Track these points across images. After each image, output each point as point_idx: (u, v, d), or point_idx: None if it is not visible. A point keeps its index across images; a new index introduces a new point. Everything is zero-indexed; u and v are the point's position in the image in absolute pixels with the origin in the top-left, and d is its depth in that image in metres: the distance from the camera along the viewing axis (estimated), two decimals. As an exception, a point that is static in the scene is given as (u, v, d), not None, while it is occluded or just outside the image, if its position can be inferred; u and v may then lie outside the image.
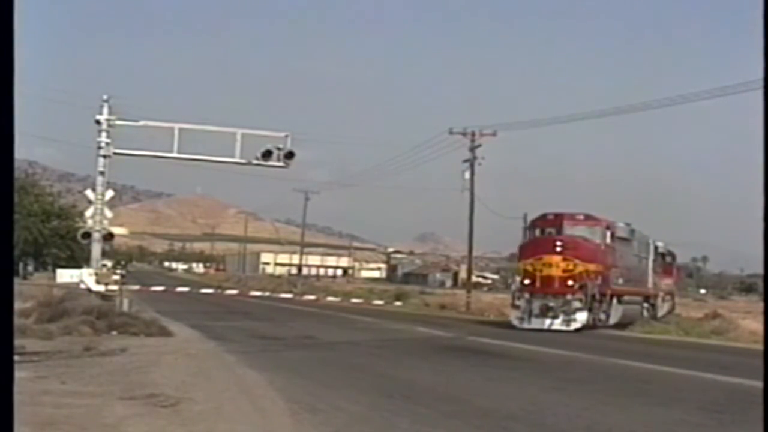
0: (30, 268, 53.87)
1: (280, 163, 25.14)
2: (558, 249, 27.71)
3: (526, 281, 27.99)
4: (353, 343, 18.67)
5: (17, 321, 15.21)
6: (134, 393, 9.38)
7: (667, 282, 42.40)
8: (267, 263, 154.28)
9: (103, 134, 25.44)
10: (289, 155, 24.87)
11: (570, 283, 27.25)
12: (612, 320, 30.21)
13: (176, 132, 25.65)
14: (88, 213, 26.11)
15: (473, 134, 46.42)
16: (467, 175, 46.22)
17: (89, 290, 23.84)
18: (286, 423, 8.22)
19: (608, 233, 29.67)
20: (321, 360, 15.04)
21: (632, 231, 34.30)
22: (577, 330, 26.63)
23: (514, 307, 28.35)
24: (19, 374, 6.83)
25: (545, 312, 27.22)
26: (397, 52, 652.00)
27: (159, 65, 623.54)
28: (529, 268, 28.01)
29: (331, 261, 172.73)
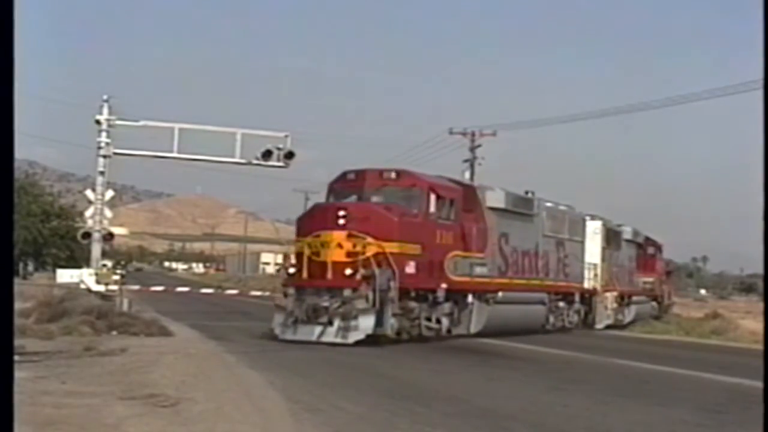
0: (30, 268, 53.87)
1: (280, 163, 25.12)
2: (341, 221, 18.29)
3: (292, 270, 19.05)
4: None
5: (17, 321, 15.21)
6: (134, 393, 9.38)
7: (647, 279, 36.39)
8: (267, 263, 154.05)
9: (103, 134, 25.42)
10: (289, 155, 24.84)
11: (349, 271, 17.86)
12: (473, 328, 21.54)
13: (176, 132, 25.63)
14: (88, 213, 26.09)
15: (473, 134, 46.46)
16: (467, 175, 46.18)
17: (89, 290, 23.83)
18: (287, 423, 8.22)
19: (433, 197, 19.84)
20: (321, 360, 15.04)
21: (528, 201, 25.28)
22: (357, 342, 17.35)
23: (278, 308, 19.08)
24: (19, 374, 6.83)
25: (314, 316, 17.97)
26: (397, 52, 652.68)
27: (159, 65, 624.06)
28: (302, 250, 18.73)
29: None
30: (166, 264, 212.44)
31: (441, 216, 20.13)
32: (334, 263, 18.07)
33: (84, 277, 25.48)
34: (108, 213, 25.83)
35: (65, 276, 28.70)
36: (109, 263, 28.20)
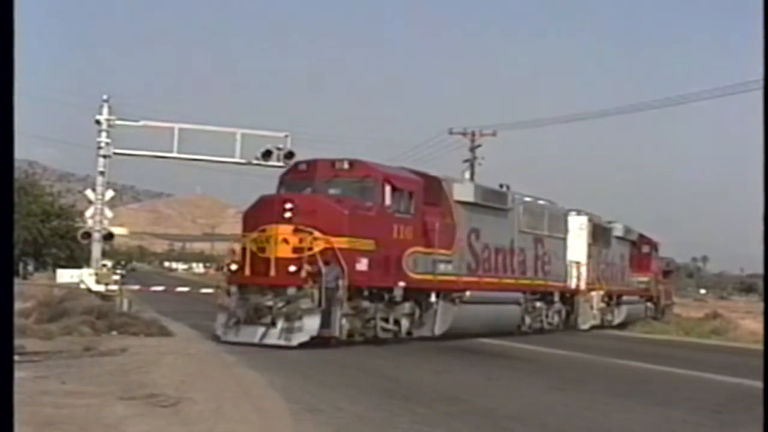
0: (30, 268, 53.81)
1: (280, 163, 25.07)
2: (287, 215, 17.07)
3: (235, 266, 17.87)
4: (352, 342, 18.61)
5: (17, 321, 15.20)
6: (134, 393, 9.38)
7: (641, 278, 35.17)
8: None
9: (103, 134, 25.42)
10: (289, 155, 24.81)
11: (293, 269, 16.60)
12: (437, 330, 20.20)
13: (176, 132, 25.63)
14: (88, 213, 26.10)
15: (473, 134, 46.41)
16: (467, 175, 46.14)
17: (89, 290, 23.83)
18: (287, 423, 8.22)
19: (388, 189, 18.39)
20: (321, 360, 15.04)
21: (501, 195, 23.74)
22: (301, 345, 16.21)
23: (220, 307, 18.10)
24: (19, 374, 6.83)
25: (257, 316, 16.82)
26: (398, 52, 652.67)
27: (159, 65, 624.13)
28: (247, 245, 17.60)
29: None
30: (166, 264, 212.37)
31: (398, 209, 18.73)
32: (278, 260, 16.81)
33: (84, 277, 25.48)
34: (108, 213, 25.83)
35: (65, 276, 28.70)
36: (109, 263, 28.17)
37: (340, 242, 17.05)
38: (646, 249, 36.67)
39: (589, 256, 28.64)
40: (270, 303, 16.74)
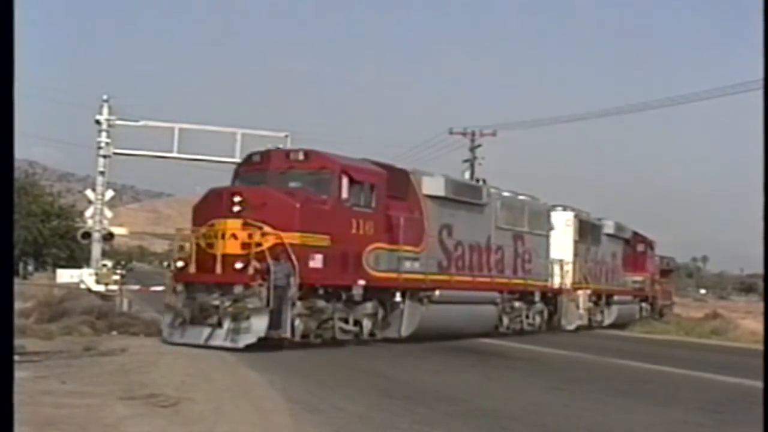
0: (30, 268, 53.79)
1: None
2: (236, 209, 16.05)
3: (181, 263, 16.80)
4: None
5: (17, 321, 15.21)
6: (134, 393, 9.38)
7: (636, 277, 34.20)
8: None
9: (103, 134, 25.47)
10: (289, 155, 24.80)
11: (239, 265, 15.62)
12: (404, 331, 19.06)
13: (176, 132, 25.67)
14: (88, 213, 26.15)
15: (473, 134, 46.43)
16: (467, 175, 46.18)
17: (89, 290, 23.85)
18: (287, 423, 8.21)
19: (346, 181, 17.25)
20: (321, 360, 15.03)
21: (476, 190, 22.72)
22: (247, 347, 15.17)
23: (167, 307, 16.89)
24: (19, 374, 6.83)
25: (202, 316, 15.81)
26: (398, 52, 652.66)
27: (159, 65, 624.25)
28: (195, 240, 16.64)
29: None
30: (166, 264, 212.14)
31: (358, 203, 17.56)
32: (225, 256, 15.81)
33: (84, 277, 25.52)
34: (108, 213, 25.88)
35: (65, 276, 28.74)
36: (109, 263, 28.18)
37: (291, 237, 15.97)
38: (641, 247, 35.76)
39: (576, 253, 27.59)
40: (216, 302, 15.73)
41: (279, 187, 16.89)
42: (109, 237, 25.88)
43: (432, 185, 20.29)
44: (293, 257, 15.78)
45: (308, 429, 8.02)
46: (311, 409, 9.01)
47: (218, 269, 15.89)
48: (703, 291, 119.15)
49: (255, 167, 17.91)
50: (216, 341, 15.41)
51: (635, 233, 35.14)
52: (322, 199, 16.95)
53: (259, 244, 15.76)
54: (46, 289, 24.60)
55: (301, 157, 17.50)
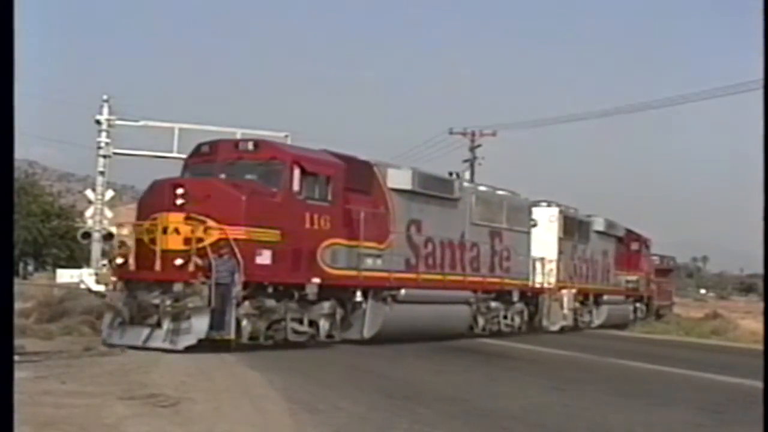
0: (30, 268, 53.81)
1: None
2: (179, 201, 15.10)
3: (121, 260, 16.01)
4: (352, 342, 18.59)
5: (17, 321, 15.20)
6: (134, 393, 9.38)
7: (629, 276, 33.14)
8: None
9: (103, 134, 25.49)
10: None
11: (179, 262, 14.72)
12: (366, 332, 18.12)
13: (176, 132, 25.68)
14: (88, 213, 26.18)
15: (473, 134, 46.43)
16: (467, 175, 46.18)
17: (89, 290, 23.85)
18: (286, 423, 8.21)
19: (297, 172, 16.18)
20: (321, 360, 15.03)
21: (447, 183, 21.39)
22: (186, 349, 14.23)
23: (107, 306, 16.06)
24: (19, 374, 6.83)
25: (141, 316, 14.89)
26: (398, 52, 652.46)
27: (159, 65, 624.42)
28: (136, 236, 15.83)
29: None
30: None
31: (312, 196, 16.51)
32: (165, 252, 14.83)
33: (84, 277, 25.54)
34: (108, 213, 25.88)
35: (65, 276, 28.77)
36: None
37: (236, 232, 14.97)
38: (635, 246, 34.61)
39: (560, 251, 26.42)
40: (156, 301, 14.75)
41: (225, 179, 15.92)
42: (109, 237, 25.86)
43: (398, 178, 19.12)
44: (238, 253, 14.80)
45: (308, 429, 8.02)
46: (311, 409, 9.01)
47: (158, 266, 14.90)
48: (703, 291, 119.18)
49: (203, 158, 16.92)
50: (155, 342, 14.48)
51: (629, 231, 34.09)
52: (272, 191, 15.90)
53: (200, 239, 14.81)
54: (46, 289, 24.61)
55: (250, 147, 16.62)
